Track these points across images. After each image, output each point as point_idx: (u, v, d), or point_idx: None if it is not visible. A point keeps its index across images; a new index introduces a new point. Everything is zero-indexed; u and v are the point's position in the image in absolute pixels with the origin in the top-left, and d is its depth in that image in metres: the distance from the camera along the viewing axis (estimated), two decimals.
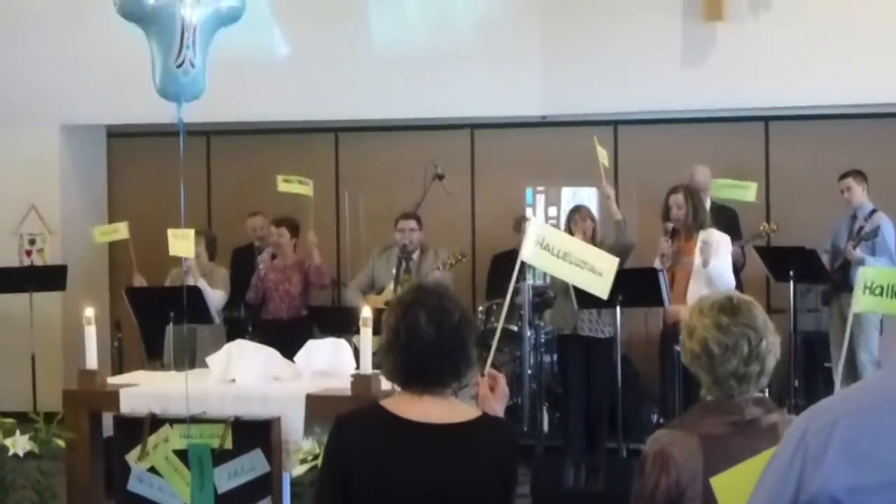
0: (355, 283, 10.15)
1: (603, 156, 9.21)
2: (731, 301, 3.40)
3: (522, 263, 5.25)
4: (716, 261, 8.69)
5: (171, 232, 8.11)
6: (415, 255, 9.89)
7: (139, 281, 10.12)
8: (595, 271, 5.20)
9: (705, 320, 3.35)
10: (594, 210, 9.64)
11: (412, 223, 9.90)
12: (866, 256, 9.51)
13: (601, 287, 5.23)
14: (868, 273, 6.09)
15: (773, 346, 3.37)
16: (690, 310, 3.48)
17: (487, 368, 3.78)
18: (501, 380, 3.73)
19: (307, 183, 10.27)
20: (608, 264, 5.18)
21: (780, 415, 3.39)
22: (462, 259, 9.98)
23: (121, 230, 10.35)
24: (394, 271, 9.85)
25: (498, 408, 3.64)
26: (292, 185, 10.30)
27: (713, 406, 3.38)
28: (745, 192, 9.82)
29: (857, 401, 1.98)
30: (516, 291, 10.13)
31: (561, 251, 5.18)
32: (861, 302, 6.06)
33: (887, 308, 6.13)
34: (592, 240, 9.34)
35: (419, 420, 3.35)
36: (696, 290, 8.54)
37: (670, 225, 8.96)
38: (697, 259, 8.79)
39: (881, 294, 5.97)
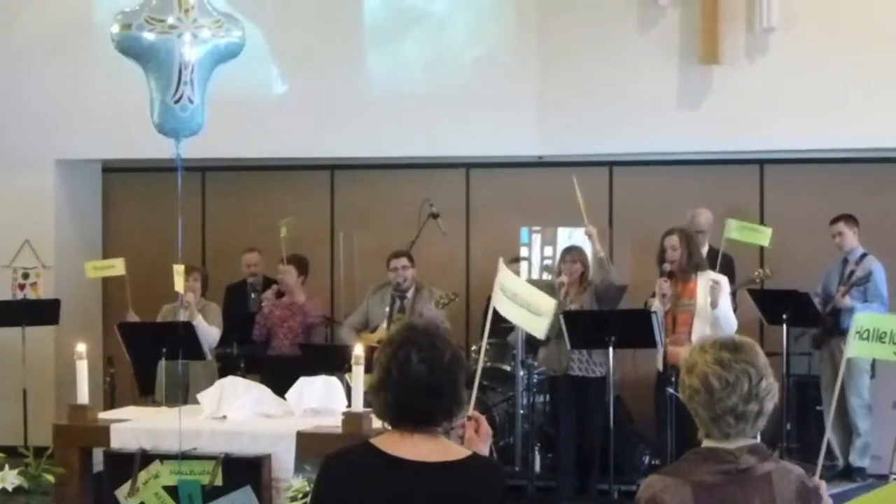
0: (349, 321, 10.15)
1: (580, 197, 9.29)
2: (732, 340, 3.38)
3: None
4: (723, 301, 8.76)
5: (176, 268, 8.13)
6: (409, 294, 9.89)
7: (133, 319, 10.08)
8: (535, 312, 5.41)
9: (706, 356, 3.32)
10: (588, 249, 9.66)
11: (404, 261, 9.91)
12: (856, 304, 9.52)
13: (540, 327, 5.48)
14: (859, 319, 6.14)
15: (772, 387, 3.33)
16: (691, 348, 3.45)
17: (471, 411, 3.77)
18: (484, 421, 3.74)
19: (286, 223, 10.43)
20: (547, 306, 5.44)
21: (775, 463, 3.35)
22: (455, 299, 9.96)
23: (117, 266, 10.30)
24: (387, 310, 9.84)
25: (483, 448, 3.64)
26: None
27: (707, 453, 3.33)
28: (760, 237, 9.75)
29: None
30: (508, 331, 10.14)
31: (511, 293, 5.38)
32: (852, 347, 6.11)
33: (873, 352, 6.18)
34: (580, 281, 9.37)
35: (409, 458, 3.35)
36: (700, 330, 8.59)
37: (667, 266, 8.99)
38: (701, 299, 8.85)
39: (868, 338, 6.03)
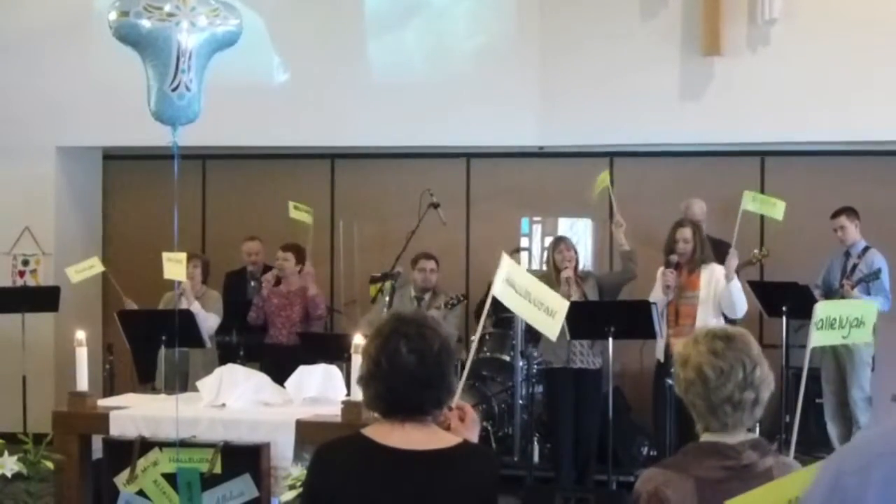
0: (367, 319, 10.00)
1: (603, 183, 9.31)
2: (724, 331, 3.37)
3: (493, 297, 5.36)
4: (734, 280, 8.81)
5: (165, 255, 8.14)
6: (426, 296, 9.89)
7: (130, 307, 10.08)
8: (549, 312, 5.35)
9: (700, 347, 3.31)
10: (589, 240, 9.66)
11: (433, 263, 9.93)
12: (863, 296, 9.51)
13: (552, 327, 5.39)
14: (817, 311, 6.19)
15: (767, 376, 3.32)
16: (684, 342, 3.43)
17: (456, 401, 3.76)
18: (469, 409, 3.73)
19: (310, 212, 10.43)
20: (559, 306, 5.35)
21: (774, 458, 3.33)
22: (462, 300, 9.92)
23: (95, 265, 10.29)
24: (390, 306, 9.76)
25: (471, 435, 3.63)
26: (301, 214, 10.45)
27: (709, 448, 3.31)
28: (775, 210, 9.70)
29: (890, 443, 1.97)
30: (508, 321, 10.13)
31: (523, 290, 5.32)
32: (813, 338, 6.16)
33: (827, 339, 6.23)
34: (575, 270, 9.35)
35: (400, 447, 3.36)
36: (704, 319, 8.63)
37: (675, 257, 9.00)
38: (704, 291, 8.87)
39: (822, 327, 6.09)
